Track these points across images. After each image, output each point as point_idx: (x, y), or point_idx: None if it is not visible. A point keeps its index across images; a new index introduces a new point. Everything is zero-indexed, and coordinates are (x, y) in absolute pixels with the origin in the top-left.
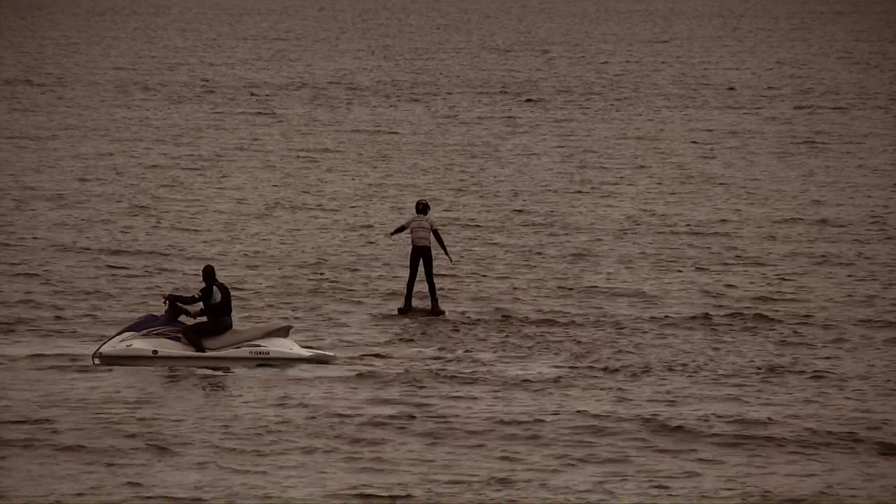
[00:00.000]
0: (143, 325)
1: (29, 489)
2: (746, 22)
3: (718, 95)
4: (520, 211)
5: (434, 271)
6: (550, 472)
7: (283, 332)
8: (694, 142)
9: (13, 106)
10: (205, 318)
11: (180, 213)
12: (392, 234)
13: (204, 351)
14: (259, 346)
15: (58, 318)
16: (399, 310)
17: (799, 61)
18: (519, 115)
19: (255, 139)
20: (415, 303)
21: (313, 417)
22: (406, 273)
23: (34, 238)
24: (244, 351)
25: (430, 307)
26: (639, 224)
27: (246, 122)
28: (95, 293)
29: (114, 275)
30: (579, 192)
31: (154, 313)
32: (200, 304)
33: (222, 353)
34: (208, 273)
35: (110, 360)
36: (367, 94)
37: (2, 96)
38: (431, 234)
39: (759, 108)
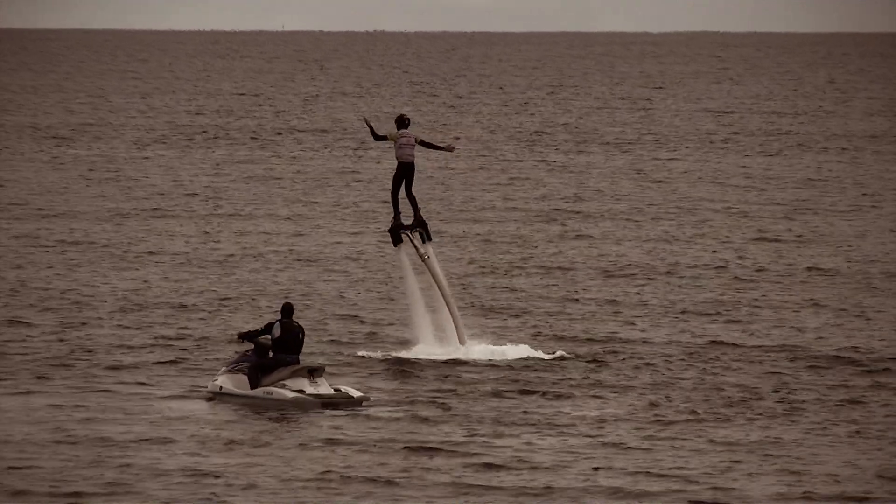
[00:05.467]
0: (234, 361)
1: None
2: None
3: None
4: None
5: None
6: None
7: (304, 371)
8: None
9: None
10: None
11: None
12: (376, 137)
13: (258, 387)
14: (283, 385)
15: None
16: (391, 231)
17: None
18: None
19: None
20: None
21: (344, 464)
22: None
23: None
24: (260, 391)
25: (413, 219)
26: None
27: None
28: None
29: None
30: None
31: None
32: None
33: (254, 392)
34: (283, 309)
35: (216, 396)
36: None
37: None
38: (416, 147)
39: None
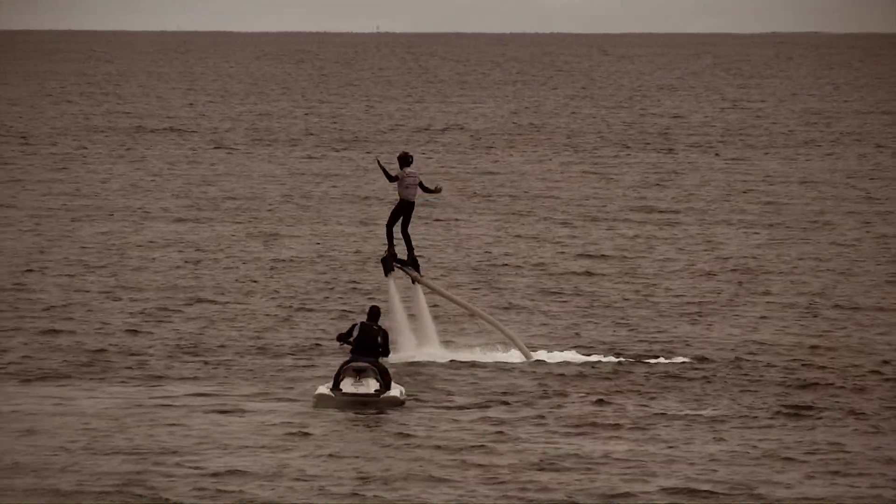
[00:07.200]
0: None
1: None
2: None
3: None
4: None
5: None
6: None
7: (350, 371)
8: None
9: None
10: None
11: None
12: (390, 179)
13: (339, 387)
14: (334, 384)
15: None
16: (384, 261)
17: None
18: None
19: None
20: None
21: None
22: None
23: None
24: (322, 389)
25: (408, 256)
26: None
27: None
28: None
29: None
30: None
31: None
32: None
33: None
34: (368, 312)
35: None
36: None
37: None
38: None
39: None
